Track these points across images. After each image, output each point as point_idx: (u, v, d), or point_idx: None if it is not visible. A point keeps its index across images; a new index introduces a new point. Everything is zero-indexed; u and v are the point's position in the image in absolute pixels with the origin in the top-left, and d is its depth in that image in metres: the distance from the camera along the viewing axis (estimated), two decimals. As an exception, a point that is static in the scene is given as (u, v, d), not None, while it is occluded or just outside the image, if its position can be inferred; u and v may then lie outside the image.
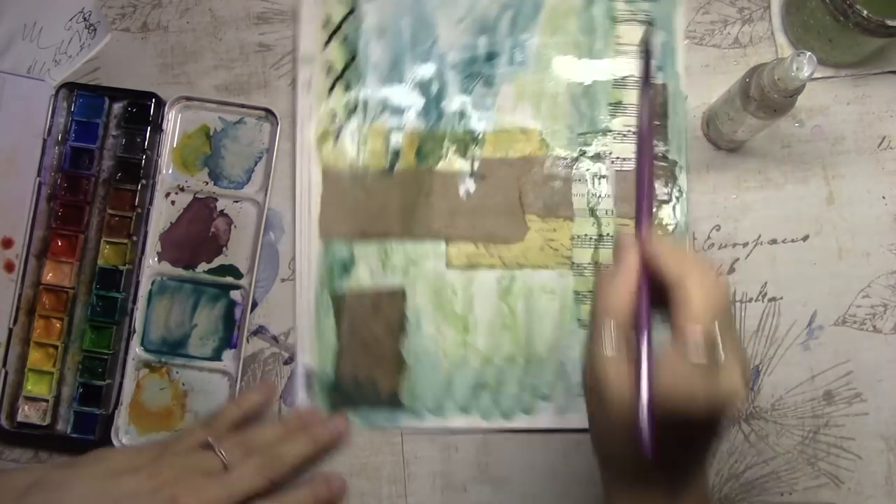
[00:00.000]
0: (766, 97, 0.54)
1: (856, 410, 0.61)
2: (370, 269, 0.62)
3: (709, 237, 0.63)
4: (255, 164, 0.63)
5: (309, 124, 0.63)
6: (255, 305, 0.62)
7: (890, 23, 0.56)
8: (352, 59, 0.63)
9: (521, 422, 0.61)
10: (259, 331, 0.62)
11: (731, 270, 0.62)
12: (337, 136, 0.63)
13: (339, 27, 0.63)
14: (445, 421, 0.61)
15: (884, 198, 0.63)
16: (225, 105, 0.63)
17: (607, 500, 0.47)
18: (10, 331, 0.61)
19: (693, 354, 0.41)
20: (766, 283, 0.62)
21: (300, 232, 0.62)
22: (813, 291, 0.62)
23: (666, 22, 0.63)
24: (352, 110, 0.63)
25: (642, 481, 0.45)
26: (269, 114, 0.63)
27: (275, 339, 0.62)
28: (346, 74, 0.63)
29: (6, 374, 0.61)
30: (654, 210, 0.62)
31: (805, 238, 0.63)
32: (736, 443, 0.61)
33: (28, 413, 0.61)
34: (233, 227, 0.63)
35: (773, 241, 0.63)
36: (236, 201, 0.63)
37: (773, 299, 0.62)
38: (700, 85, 0.64)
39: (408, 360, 0.61)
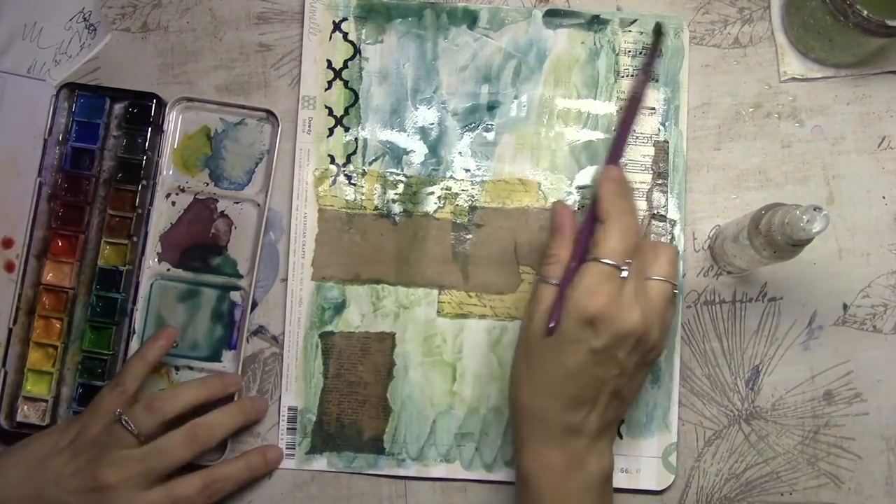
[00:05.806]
0: (771, 235, 0.52)
1: (856, 410, 0.62)
2: (361, 312, 0.62)
3: (709, 237, 0.63)
4: (256, 165, 0.63)
5: (307, 164, 0.63)
6: (255, 305, 0.62)
7: (890, 23, 0.56)
8: (353, 102, 0.63)
9: (501, 474, 0.61)
10: (259, 331, 0.62)
11: (732, 270, 0.62)
12: (335, 178, 0.63)
13: (341, 70, 0.63)
14: (427, 469, 0.61)
15: (884, 198, 0.63)
16: (226, 106, 0.63)
17: (524, 458, 0.52)
18: (10, 331, 0.61)
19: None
20: (766, 284, 0.62)
21: (293, 271, 0.62)
22: (813, 291, 0.62)
23: (671, 79, 0.63)
24: (351, 153, 0.63)
25: (561, 431, 0.51)
26: (270, 115, 0.63)
27: (275, 339, 0.62)
28: (346, 117, 0.63)
29: (6, 374, 0.61)
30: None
31: (805, 238, 0.63)
32: (736, 443, 0.61)
33: (27, 413, 0.61)
34: (233, 228, 0.63)
35: (773, 242, 0.63)
36: (237, 202, 0.63)
37: (773, 299, 0.62)
38: (700, 85, 0.64)
39: (393, 405, 0.61)
